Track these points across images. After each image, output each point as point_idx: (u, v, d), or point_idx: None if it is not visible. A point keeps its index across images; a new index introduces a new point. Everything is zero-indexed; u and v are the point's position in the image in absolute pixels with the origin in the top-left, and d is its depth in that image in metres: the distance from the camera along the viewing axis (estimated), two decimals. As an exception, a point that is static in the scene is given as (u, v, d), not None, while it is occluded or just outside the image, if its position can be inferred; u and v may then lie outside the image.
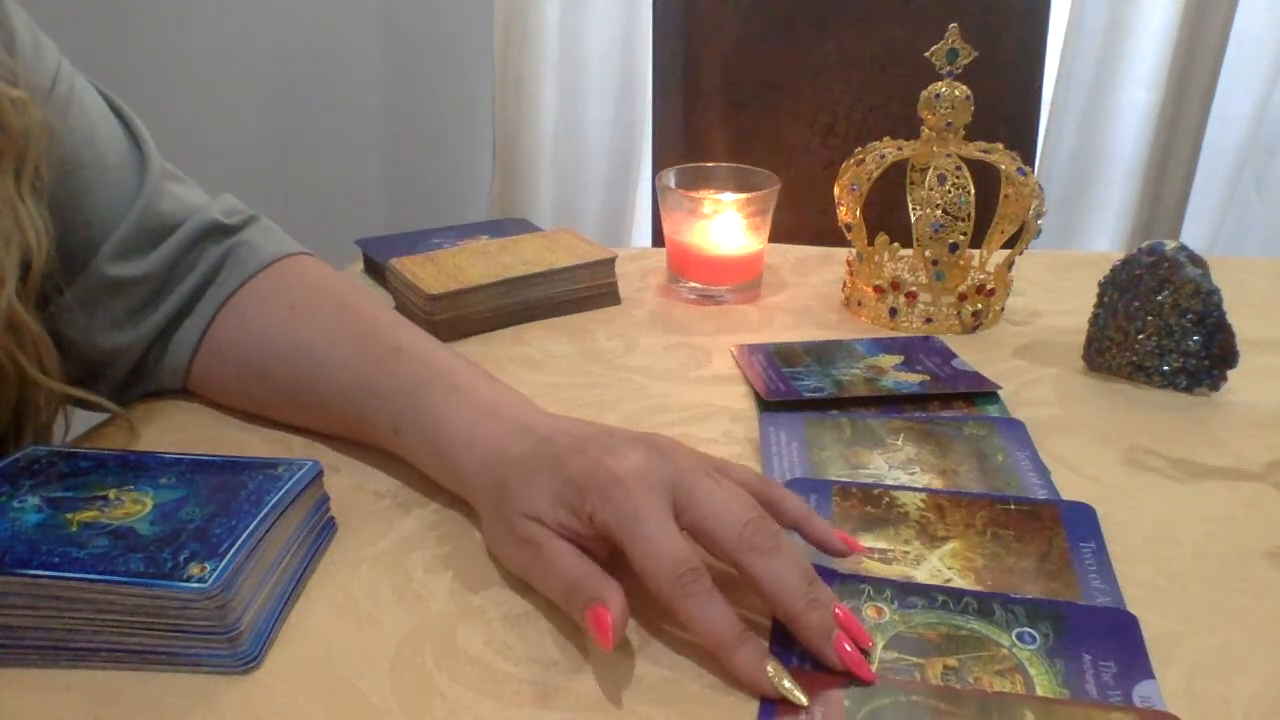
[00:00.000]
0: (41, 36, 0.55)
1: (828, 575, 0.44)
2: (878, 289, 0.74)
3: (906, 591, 0.44)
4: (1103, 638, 0.41)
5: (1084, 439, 0.59)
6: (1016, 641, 0.41)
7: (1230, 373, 0.64)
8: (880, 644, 0.41)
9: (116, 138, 0.58)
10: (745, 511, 0.41)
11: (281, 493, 0.44)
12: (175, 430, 0.58)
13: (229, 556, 0.39)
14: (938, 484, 0.53)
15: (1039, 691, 0.39)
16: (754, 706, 0.38)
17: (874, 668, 0.40)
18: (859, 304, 0.76)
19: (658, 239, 0.91)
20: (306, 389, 0.56)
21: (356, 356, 0.54)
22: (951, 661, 0.40)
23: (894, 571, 0.46)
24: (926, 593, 0.44)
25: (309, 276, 0.60)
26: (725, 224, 0.77)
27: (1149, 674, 0.40)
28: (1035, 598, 0.43)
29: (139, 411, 0.59)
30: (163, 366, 0.59)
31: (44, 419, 0.55)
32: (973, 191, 0.70)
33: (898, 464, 0.55)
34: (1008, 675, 0.39)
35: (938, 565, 0.46)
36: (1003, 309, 0.76)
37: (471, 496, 0.49)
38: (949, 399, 0.62)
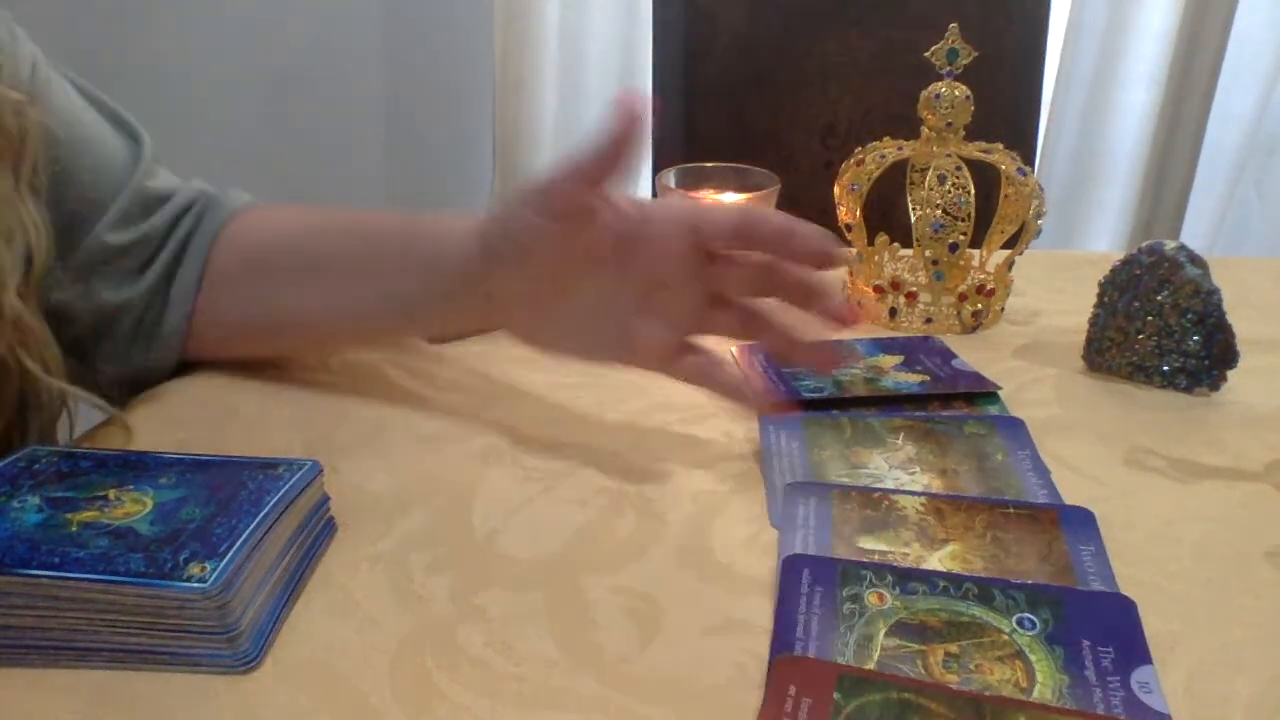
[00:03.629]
0: (14, 26, 0.56)
1: (828, 563, 0.45)
2: (878, 289, 0.74)
3: (907, 577, 0.44)
4: (1101, 623, 0.42)
5: (1084, 439, 0.59)
6: (1016, 627, 0.41)
7: (1230, 373, 0.64)
8: (882, 630, 0.41)
9: (96, 119, 0.59)
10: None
11: (281, 493, 0.44)
12: (175, 430, 0.58)
13: (229, 556, 0.39)
14: (938, 483, 0.53)
15: (1039, 677, 0.39)
16: (754, 706, 0.38)
17: (876, 655, 0.40)
18: (859, 304, 0.76)
19: (658, 239, 0.91)
20: (314, 271, 0.59)
21: (357, 222, 0.61)
22: (953, 648, 0.40)
23: (894, 571, 0.46)
24: (927, 578, 0.44)
25: (291, 205, 0.64)
26: (725, 224, 0.77)
27: (1147, 659, 0.40)
28: (1034, 583, 0.44)
29: (139, 411, 0.59)
30: (166, 319, 0.59)
31: (47, 415, 0.55)
32: (973, 191, 0.70)
33: (898, 463, 0.55)
34: (1008, 661, 0.40)
35: (937, 567, 0.46)
36: (1003, 309, 0.76)
37: (476, 259, 0.54)
38: (949, 399, 0.62)
